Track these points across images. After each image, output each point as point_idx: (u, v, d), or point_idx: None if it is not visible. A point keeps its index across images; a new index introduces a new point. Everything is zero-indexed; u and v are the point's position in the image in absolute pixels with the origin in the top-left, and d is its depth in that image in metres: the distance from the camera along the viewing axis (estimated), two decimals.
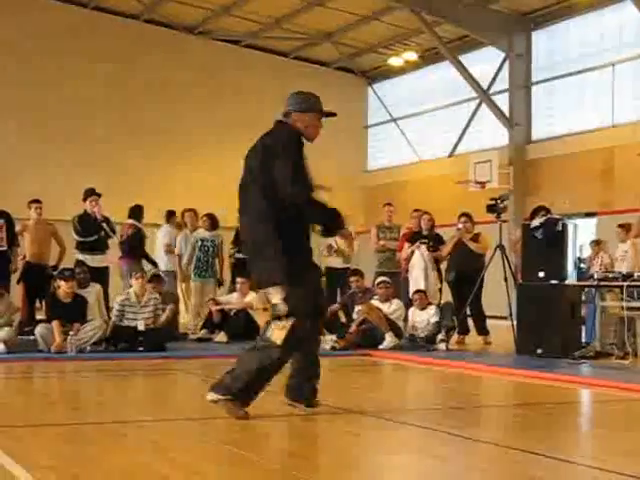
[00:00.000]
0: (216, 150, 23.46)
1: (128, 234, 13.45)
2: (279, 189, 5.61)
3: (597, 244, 15.90)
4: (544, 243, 10.76)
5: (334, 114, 5.96)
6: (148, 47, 23.61)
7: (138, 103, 23.39)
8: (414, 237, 13.18)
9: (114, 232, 12.88)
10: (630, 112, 19.46)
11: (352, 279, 12.70)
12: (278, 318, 5.68)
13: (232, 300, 12.97)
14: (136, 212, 13.73)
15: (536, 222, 11.00)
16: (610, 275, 10.99)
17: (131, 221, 13.57)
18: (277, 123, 5.93)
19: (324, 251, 13.90)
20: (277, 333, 5.62)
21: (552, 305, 10.53)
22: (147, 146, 23.39)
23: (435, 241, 13.00)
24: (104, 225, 12.68)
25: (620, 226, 14.75)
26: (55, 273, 11.48)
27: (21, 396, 7.37)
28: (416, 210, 13.94)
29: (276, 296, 5.64)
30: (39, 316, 11.70)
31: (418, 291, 12.31)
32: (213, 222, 13.68)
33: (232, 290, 13.58)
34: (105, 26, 23.33)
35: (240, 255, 12.95)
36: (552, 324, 10.42)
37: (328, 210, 5.82)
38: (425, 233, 13.10)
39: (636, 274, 10.49)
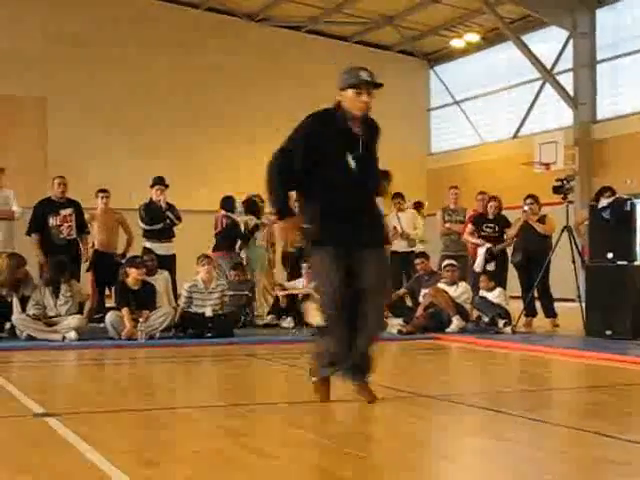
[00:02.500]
0: (279, 134, 23.38)
1: (223, 226, 13.22)
2: None
3: None
4: (612, 224, 10.62)
5: (377, 84, 5.71)
6: (210, 35, 23.76)
7: (201, 90, 23.56)
8: (479, 219, 13.10)
9: (179, 219, 12.90)
10: None
11: (417, 262, 12.66)
12: None
13: (298, 285, 13.01)
14: (228, 203, 13.47)
15: (604, 202, 10.85)
16: None
17: (223, 212, 13.32)
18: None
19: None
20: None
21: (621, 286, 10.40)
22: (211, 132, 23.57)
23: (501, 224, 12.89)
24: (168, 213, 12.77)
25: None
26: (123, 261, 11.64)
27: (94, 383, 7.49)
28: (481, 192, 13.85)
29: None
30: (108, 304, 11.89)
31: (483, 273, 12.24)
32: (248, 205, 13.59)
33: (297, 276, 13.49)
34: (167, 15, 23.58)
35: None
36: (622, 305, 10.29)
37: (276, 202, 5.92)
38: (491, 217, 12.99)
39: None
